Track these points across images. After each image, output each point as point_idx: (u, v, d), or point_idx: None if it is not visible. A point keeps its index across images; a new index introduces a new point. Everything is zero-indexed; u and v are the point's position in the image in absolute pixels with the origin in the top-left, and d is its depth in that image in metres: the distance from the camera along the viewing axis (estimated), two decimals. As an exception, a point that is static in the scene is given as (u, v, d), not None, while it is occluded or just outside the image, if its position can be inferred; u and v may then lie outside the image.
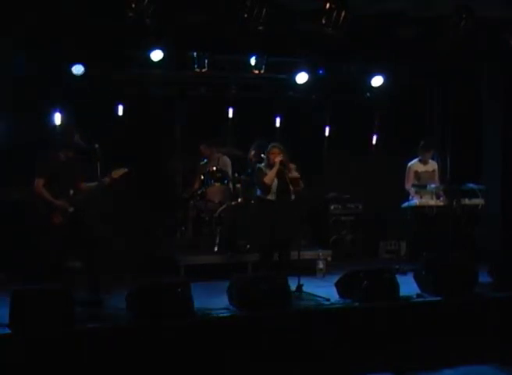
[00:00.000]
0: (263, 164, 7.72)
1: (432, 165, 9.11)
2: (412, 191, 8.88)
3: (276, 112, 9.82)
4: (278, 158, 7.43)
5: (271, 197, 7.49)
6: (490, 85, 9.86)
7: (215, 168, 8.87)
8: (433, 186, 8.79)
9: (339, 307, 6.72)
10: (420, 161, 9.03)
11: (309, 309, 6.67)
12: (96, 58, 8.18)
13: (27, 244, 7.42)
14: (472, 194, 8.74)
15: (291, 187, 7.47)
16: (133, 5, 6.65)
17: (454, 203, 8.59)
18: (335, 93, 9.93)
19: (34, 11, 6.90)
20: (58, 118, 8.26)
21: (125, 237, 8.79)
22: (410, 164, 9.04)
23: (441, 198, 8.74)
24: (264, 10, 6.97)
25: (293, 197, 7.54)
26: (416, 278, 7.35)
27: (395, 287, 6.91)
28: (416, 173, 8.98)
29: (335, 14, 7.13)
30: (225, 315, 6.30)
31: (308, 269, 8.15)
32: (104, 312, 6.28)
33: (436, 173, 9.14)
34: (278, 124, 9.76)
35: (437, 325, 6.69)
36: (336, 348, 6.28)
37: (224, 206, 8.61)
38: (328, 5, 7.16)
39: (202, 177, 8.92)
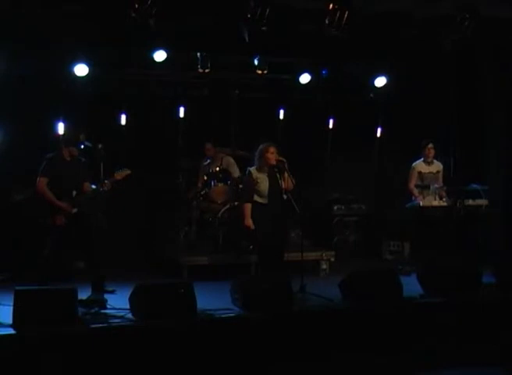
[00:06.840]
0: (254, 167, 7.37)
1: (437, 166, 8.99)
2: (415, 191, 8.84)
3: (279, 112, 9.81)
4: (276, 159, 7.30)
5: (262, 200, 7.30)
6: (492, 85, 9.85)
7: (218, 168, 8.87)
8: (436, 186, 8.75)
9: (343, 308, 6.71)
10: (424, 161, 8.95)
11: (312, 310, 6.65)
12: (99, 59, 8.19)
13: (30, 244, 7.43)
14: (476, 194, 8.71)
15: (283, 187, 7.36)
16: (136, 6, 6.66)
17: (458, 204, 8.56)
18: (338, 93, 9.92)
19: (37, 10, 6.92)
20: (60, 118, 8.28)
21: (128, 238, 8.81)
22: (414, 164, 8.95)
23: (444, 199, 8.70)
24: (268, 10, 6.98)
25: (284, 197, 7.32)
26: (419, 279, 7.33)
27: (398, 287, 6.89)
28: (420, 173, 8.90)
29: (338, 14, 7.14)
30: (228, 315, 6.29)
31: (311, 270, 8.15)
32: (107, 312, 6.28)
33: (441, 175, 9.00)
34: (281, 124, 9.76)
35: (440, 326, 6.68)
36: (339, 349, 6.26)
37: (227, 207, 8.60)
38: (331, 6, 7.17)
39: (205, 178, 8.92)
